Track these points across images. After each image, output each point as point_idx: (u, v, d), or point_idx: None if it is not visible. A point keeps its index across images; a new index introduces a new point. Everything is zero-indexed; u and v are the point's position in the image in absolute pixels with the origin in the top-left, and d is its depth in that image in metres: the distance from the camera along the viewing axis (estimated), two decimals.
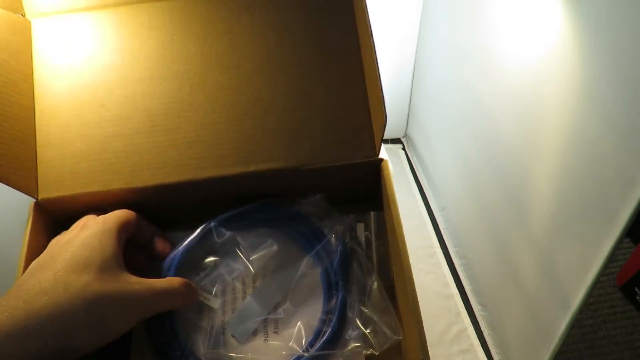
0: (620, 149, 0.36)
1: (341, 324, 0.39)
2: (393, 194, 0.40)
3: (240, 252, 0.41)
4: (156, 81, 0.42)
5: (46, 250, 0.35)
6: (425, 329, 0.66)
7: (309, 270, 0.42)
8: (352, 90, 0.42)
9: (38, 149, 0.41)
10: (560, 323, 0.46)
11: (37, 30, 0.43)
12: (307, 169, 0.40)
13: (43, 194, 0.40)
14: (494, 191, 0.59)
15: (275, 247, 0.41)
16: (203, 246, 0.41)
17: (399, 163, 0.90)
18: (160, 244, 0.41)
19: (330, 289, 0.41)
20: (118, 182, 0.40)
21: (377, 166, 0.42)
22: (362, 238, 0.44)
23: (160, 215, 0.42)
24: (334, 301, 0.40)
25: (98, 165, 0.41)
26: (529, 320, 0.53)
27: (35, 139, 0.41)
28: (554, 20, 0.43)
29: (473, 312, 0.67)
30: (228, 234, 0.41)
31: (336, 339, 0.39)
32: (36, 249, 0.38)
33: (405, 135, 0.94)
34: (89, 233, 0.34)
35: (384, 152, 0.54)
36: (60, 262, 0.31)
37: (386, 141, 0.93)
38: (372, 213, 0.44)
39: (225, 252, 0.42)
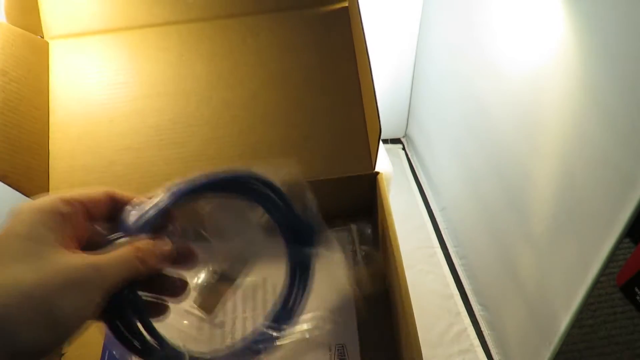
0: (620, 149, 0.36)
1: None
2: (389, 207, 0.41)
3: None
4: (164, 98, 0.44)
5: None
6: (425, 329, 0.66)
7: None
8: (351, 109, 0.44)
9: (50, 161, 0.43)
10: (560, 323, 0.46)
11: (53, 50, 0.45)
12: (307, 182, 0.41)
13: None
14: (493, 191, 0.59)
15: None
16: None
17: (399, 163, 0.90)
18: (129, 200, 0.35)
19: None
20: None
21: (373, 179, 0.43)
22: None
23: None
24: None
25: (107, 176, 0.43)
26: (529, 320, 0.53)
27: (48, 151, 0.43)
28: (554, 21, 0.43)
29: (473, 312, 0.67)
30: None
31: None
32: None
33: (405, 135, 0.94)
34: (16, 221, 0.28)
35: (384, 153, 0.54)
36: None
37: (386, 141, 0.93)
38: (352, 226, 0.45)
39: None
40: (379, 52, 0.81)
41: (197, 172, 0.41)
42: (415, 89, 0.86)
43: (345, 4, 0.46)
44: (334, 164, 0.43)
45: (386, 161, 0.53)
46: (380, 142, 0.56)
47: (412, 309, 0.35)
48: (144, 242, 0.31)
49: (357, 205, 0.46)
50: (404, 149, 0.93)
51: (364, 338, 0.41)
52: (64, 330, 0.26)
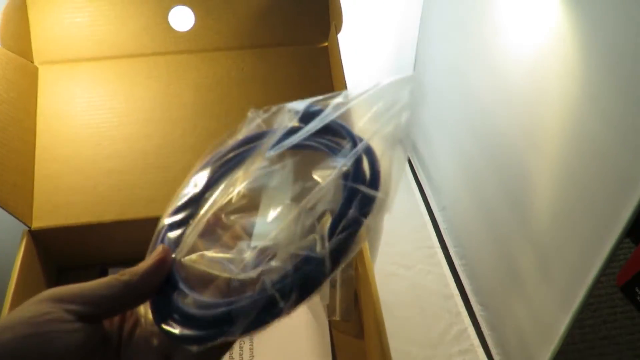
0: (620, 149, 0.36)
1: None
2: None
3: None
4: (151, 124, 0.46)
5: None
6: (425, 329, 0.66)
7: None
8: None
9: (36, 181, 0.44)
10: (560, 323, 0.46)
11: (43, 75, 0.47)
12: None
13: (37, 223, 0.43)
14: (494, 191, 0.59)
15: None
16: None
17: None
18: None
19: None
20: (110, 214, 0.43)
21: None
22: None
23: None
24: None
25: (92, 198, 0.44)
26: (529, 320, 0.53)
27: (34, 172, 0.44)
28: (554, 20, 0.43)
29: (473, 312, 0.67)
30: None
31: None
32: (26, 276, 0.40)
33: None
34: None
35: None
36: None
37: None
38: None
39: None
40: (379, 52, 0.81)
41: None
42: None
43: (326, 43, 0.50)
44: None
45: None
46: None
47: (382, 319, 0.36)
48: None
49: None
50: None
51: (337, 354, 0.42)
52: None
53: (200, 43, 0.48)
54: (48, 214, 0.43)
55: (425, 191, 0.84)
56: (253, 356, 0.41)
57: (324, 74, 0.48)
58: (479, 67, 0.60)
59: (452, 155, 0.72)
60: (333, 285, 0.44)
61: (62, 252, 0.45)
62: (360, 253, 0.41)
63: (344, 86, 0.43)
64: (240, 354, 0.41)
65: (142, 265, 0.27)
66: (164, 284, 0.26)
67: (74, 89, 0.47)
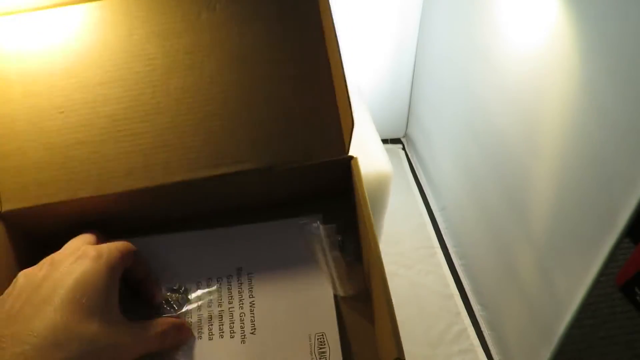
0: (620, 149, 0.36)
1: None
2: (364, 194, 0.38)
3: None
4: (117, 84, 0.40)
5: (30, 279, 0.32)
6: (425, 329, 0.66)
7: None
8: (320, 88, 0.41)
9: None
10: (560, 323, 0.46)
11: None
12: (276, 169, 0.39)
13: (6, 206, 0.39)
14: (494, 191, 0.59)
15: None
16: None
17: (399, 163, 0.90)
18: (151, 288, 0.39)
19: None
20: (85, 191, 0.39)
21: (347, 164, 0.41)
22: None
23: (133, 223, 0.42)
24: None
25: (62, 174, 0.39)
26: (529, 320, 0.53)
27: None
28: (553, 20, 0.43)
29: (473, 312, 0.67)
30: None
31: None
32: (2, 260, 0.38)
33: (405, 135, 0.94)
34: (89, 268, 0.32)
35: (384, 153, 0.54)
36: (61, 301, 0.29)
37: (386, 141, 0.93)
38: (320, 225, 0.43)
39: None
40: (379, 52, 0.81)
41: (159, 164, 0.39)
42: (415, 89, 0.86)
43: None
44: (304, 150, 0.40)
45: (386, 161, 0.53)
46: (380, 142, 0.56)
47: (389, 294, 0.33)
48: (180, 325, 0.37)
49: (331, 193, 0.44)
50: (404, 149, 0.93)
51: (343, 327, 0.40)
52: None
53: None
54: (17, 195, 0.39)
55: (425, 191, 0.84)
56: (255, 328, 0.39)
57: (312, 13, 0.41)
58: (479, 67, 0.60)
59: (452, 156, 0.72)
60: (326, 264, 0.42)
61: (39, 232, 0.41)
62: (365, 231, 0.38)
63: (331, 26, 0.38)
64: (242, 327, 0.39)
65: None
66: None
67: (22, 47, 0.40)
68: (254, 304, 0.40)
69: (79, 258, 0.33)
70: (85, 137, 0.40)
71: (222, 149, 0.40)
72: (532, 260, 0.51)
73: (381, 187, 0.53)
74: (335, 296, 0.40)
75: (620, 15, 0.35)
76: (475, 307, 0.67)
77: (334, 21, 0.38)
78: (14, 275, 0.36)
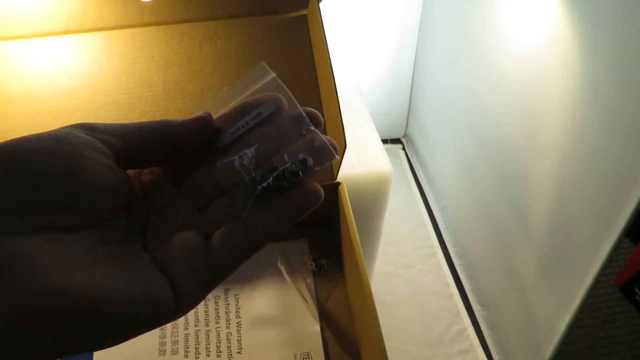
0: (620, 149, 0.36)
1: None
2: (351, 217, 0.40)
3: None
4: (119, 107, 0.42)
5: None
6: (425, 329, 0.66)
7: None
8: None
9: None
10: (560, 323, 0.46)
11: None
12: None
13: None
14: (494, 191, 0.59)
15: None
16: None
17: (399, 163, 0.90)
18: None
19: None
20: None
21: (334, 190, 0.43)
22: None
23: None
24: None
25: None
26: (529, 320, 0.53)
27: None
28: (553, 20, 0.43)
29: (473, 312, 0.67)
30: None
31: None
32: None
33: (405, 135, 0.94)
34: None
35: (384, 153, 0.54)
36: None
37: (386, 141, 0.93)
38: (306, 249, 0.45)
39: None
40: (379, 52, 0.81)
41: None
42: (415, 89, 0.86)
43: (304, 12, 0.45)
44: None
45: (386, 161, 0.53)
46: (380, 142, 0.56)
47: (377, 320, 0.35)
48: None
49: (317, 217, 0.46)
50: (404, 149, 0.93)
51: (328, 347, 0.41)
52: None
53: (167, 14, 0.44)
54: None
55: (425, 191, 0.84)
56: (241, 348, 0.40)
57: (304, 45, 0.44)
58: (479, 67, 0.60)
59: (452, 156, 0.72)
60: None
61: None
62: (351, 249, 0.39)
63: (326, 57, 0.39)
64: (228, 347, 0.40)
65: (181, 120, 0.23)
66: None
67: (29, 69, 0.42)
68: (240, 324, 0.41)
69: None
70: None
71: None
72: (532, 260, 0.51)
73: (381, 187, 0.53)
74: (320, 317, 0.41)
75: (620, 16, 0.35)
76: (475, 307, 0.67)
77: (329, 49, 0.39)
78: None
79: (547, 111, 0.46)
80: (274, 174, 0.23)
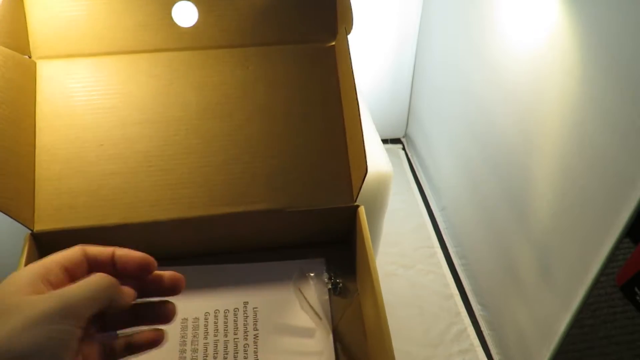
0: (620, 149, 0.36)
1: None
2: (368, 240, 0.42)
3: None
4: (154, 125, 0.45)
5: None
6: (425, 329, 0.66)
7: None
8: (333, 140, 0.46)
9: (37, 183, 0.43)
10: (560, 323, 0.46)
11: (41, 71, 0.45)
12: (289, 211, 0.44)
13: (39, 226, 0.42)
14: (494, 191, 0.59)
15: None
16: None
17: (399, 163, 0.90)
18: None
19: None
20: (113, 218, 0.43)
21: (353, 212, 0.45)
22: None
23: (153, 252, 0.44)
24: None
25: (94, 201, 0.43)
26: (529, 320, 0.53)
27: (35, 174, 0.43)
28: (553, 20, 0.43)
29: (473, 312, 0.67)
30: None
31: None
32: None
33: (405, 135, 0.94)
34: None
35: (384, 153, 0.54)
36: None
37: (386, 141, 0.93)
38: (323, 268, 0.47)
39: None
40: (379, 52, 0.81)
41: (184, 198, 0.43)
42: (416, 89, 0.86)
43: (333, 43, 0.48)
44: (315, 196, 0.44)
45: (386, 161, 0.53)
46: (380, 142, 0.56)
47: (391, 343, 0.36)
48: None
49: (336, 237, 0.48)
50: (404, 149, 0.93)
51: None
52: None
53: (203, 40, 0.47)
54: (50, 217, 0.42)
55: (425, 191, 0.84)
56: (257, 359, 0.42)
57: (331, 74, 0.47)
58: (479, 67, 0.60)
59: (452, 156, 0.72)
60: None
61: None
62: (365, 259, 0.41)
63: (352, 88, 0.42)
64: (245, 357, 0.41)
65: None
66: None
67: (73, 86, 0.45)
68: (257, 336, 0.42)
69: None
70: (119, 168, 0.44)
71: (241, 190, 0.44)
72: (532, 260, 0.51)
73: (381, 187, 0.53)
74: (334, 333, 0.43)
75: (620, 15, 0.35)
76: (475, 307, 0.67)
77: (355, 80, 0.42)
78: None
79: (547, 111, 0.46)
80: None
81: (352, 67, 0.42)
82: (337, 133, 0.46)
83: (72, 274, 0.29)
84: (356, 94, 0.41)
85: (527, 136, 0.49)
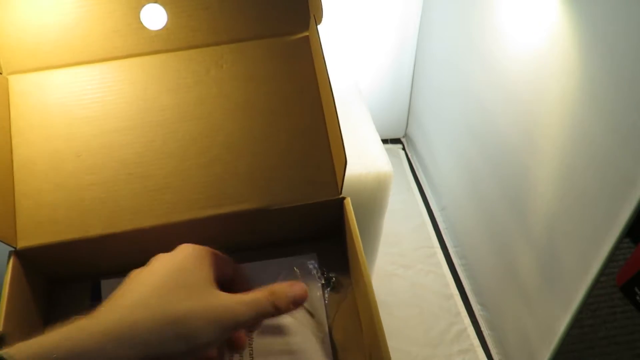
0: (620, 149, 0.36)
1: None
2: (356, 231, 0.42)
3: None
4: (131, 132, 0.44)
5: (149, 266, 0.38)
6: (425, 329, 0.66)
7: None
8: (314, 134, 0.45)
9: (16, 200, 0.43)
10: (560, 323, 0.46)
11: (14, 86, 0.45)
12: (275, 209, 0.43)
13: (22, 243, 0.42)
14: (494, 191, 0.59)
15: None
16: None
17: (399, 163, 0.90)
18: (241, 283, 0.41)
19: None
20: (95, 229, 0.42)
21: (340, 205, 0.44)
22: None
23: (139, 260, 0.45)
24: None
25: (75, 213, 0.43)
26: (529, 320, 0.53)
27: (14, 190, 0.43)
28: (553, 20, 0.43)
29: (473, 312, 0.67)
30: None
31: None
32: (17, 296, 0.40)
33: (405, 135, 0.94)
34: (184, 256, 0.37)
35: (384, 153, 0.54)
36: (159, 280, 0.34)
37: (386, 141, 0.93)
38: (315, 264, 0.47)
39: None
40: (379, 52, 0.81)
41: (166, 204, 0.43)
42: (415, 89, 0.86)
43: (306, 33, 0.47)
44: (300, 191, 0.44)
45: (386, 161, 0.53)
46: (380, 142, 0.56)
47: (384, 335, 0.36)
48: (279, 286, 0.36)
49: (325, 231, 0.48)
50: (404, 149, 0.93)
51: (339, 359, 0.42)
52: (195, 350, 0.32)
53: (175, 41, 0.46)
54: (33, 232, 0.42)
55: (425, 191, 0.84)
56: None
57: (307, 66, 0.46)
58: (479, 67, 0.60)
59: (452, 156, 0.72)
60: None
61: (52, 269, 0.44)
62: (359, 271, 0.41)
63: (326, 77, 0.42)
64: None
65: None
66: None
67: (47, 99, 0.45)
68: (252, 339, 0.42)
69: (179, 252, 0.37)
70: (98, 178, 0.43)
71: (224, 190, 0.44)
72: (532, 260, 0.51)
73: (381, 187, 0.53)
74: (330, 329, 0.42)
75: (620, 15, 0.35)
76: (475, 307, 0.67)
77: (328, 72, 0.42)
78: (30, 309, 0.40)
79: (547, 111, 0.46)
80: None
81: (324, 57, 0.42)
82: (318, 126, 0.45)
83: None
84: (330, 84, 0.41)
85: (527, 136, 0.49)
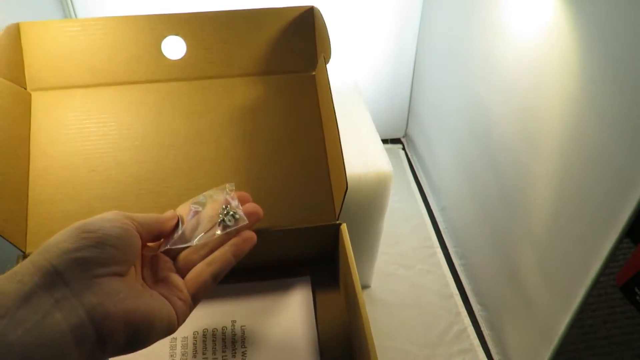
0: (620, 149, 0.36)
1: None
2: (351, 257, 0.44)
3: None
4: (144, 151, 0.47)
5: None
6: (425, 329, 0.66)
7: None
8: (315, 163, 0.48)
9: (30, 207, 0.45)
10: (560, 323, 0.46)
11: (36, 102, 0.48)
12: (274, 230, 0.45)
13: (31, 248, 0.43)
14: (493, 191, 0.59)
15: None
16: None
17: (399, 163, 0.90)
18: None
19: None
20: None
21: (336, 230, 0.47)
22: None
23: None
24: None
25: None
26: (529, 320, 0.53)
27: (28, 198, 0.45)
28: (553, 19, 0.43)
29: (473, 312, 0.67)
30: None
31: None
32: None
33: (405, 135, 0.94)
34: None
35: (384, 153, 0.54)
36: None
37: (386, 141, 0.93)
38: (309, 285, 0.49)
39: None
40: (379, 52, 0.81)
41: None
42: (415, 89, 0.86)
43: (313, 72, 0.51)
44: (299, 215, 0.46)
45: (386, 161, 0.53)
46: (380, 142, 0.56)
47: (376, 357, 0.37)
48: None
49: (321, 255, 0.50)
50: (404, 149, 0.93)
51: None
52: (114, 253, 0.31)
53: (191, 71, 0.50)
54: (42, 239, 0.43)
55: (425, 191, 0.84)
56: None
57: (312, 102, 0.50)
58: (479, 67, 0.60)
59: (452, 156, 0.72)
60: None
61: None
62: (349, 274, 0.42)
63: (332, 113, 0.45)
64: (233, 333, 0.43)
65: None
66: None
67: (67, 116, 0.47)
68: (245, 354, 0.44)
69: None
70: (110, 192, 0.46)
71: None
72: (532, 260, 0.51)
73: (381, 187, 0.53)
74: (321, 350, 0.44)
75: (619, 13, 0.35)
76: (475, 307, 0.67)
77: (334, 106, 0.44)
78: None
79: (546, 111, 0.46)
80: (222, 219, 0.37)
81: (331, 94, 0.44)
82: (319, 156, 0.48)
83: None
84: (336, 118, 0.44)
85: (527, 136, 0.49)
